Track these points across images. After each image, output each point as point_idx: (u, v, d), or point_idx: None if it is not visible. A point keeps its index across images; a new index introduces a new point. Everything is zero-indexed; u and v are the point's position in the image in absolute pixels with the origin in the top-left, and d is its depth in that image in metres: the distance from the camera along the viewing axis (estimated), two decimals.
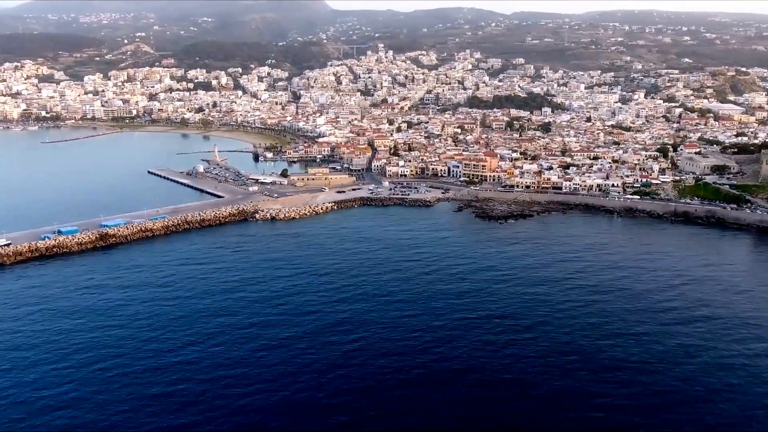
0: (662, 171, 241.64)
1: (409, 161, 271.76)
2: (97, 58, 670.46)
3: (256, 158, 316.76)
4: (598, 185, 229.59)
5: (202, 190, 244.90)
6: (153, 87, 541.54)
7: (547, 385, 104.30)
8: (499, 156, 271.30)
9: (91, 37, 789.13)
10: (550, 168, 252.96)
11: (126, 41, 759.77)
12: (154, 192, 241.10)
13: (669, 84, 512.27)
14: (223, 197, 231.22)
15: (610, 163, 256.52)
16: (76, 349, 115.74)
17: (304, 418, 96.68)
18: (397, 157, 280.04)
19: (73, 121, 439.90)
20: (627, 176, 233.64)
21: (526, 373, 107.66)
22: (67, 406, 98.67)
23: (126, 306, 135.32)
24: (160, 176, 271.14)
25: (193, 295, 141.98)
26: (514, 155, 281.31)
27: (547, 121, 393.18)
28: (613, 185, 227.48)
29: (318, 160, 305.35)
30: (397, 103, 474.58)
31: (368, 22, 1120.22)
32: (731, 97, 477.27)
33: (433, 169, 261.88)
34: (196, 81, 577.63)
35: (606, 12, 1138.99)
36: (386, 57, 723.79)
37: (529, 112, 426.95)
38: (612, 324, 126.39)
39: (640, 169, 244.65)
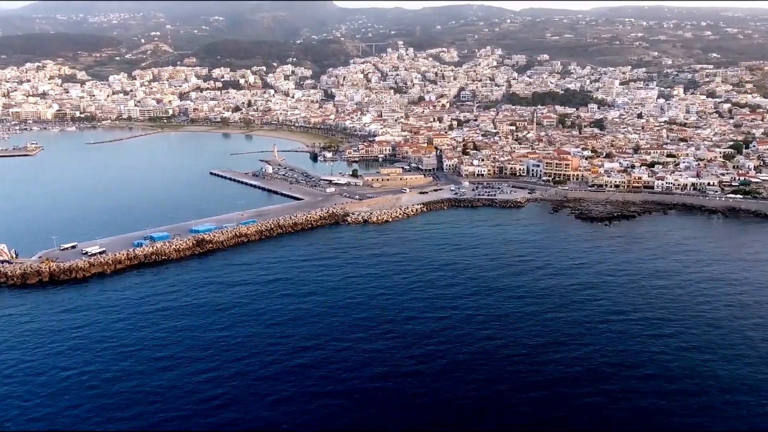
0: (757, 169, 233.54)
1: (482, 160, 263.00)
2: (117, 58, 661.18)
3: (314, 158, 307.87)
4: (693, 184, 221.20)
5: (275, 192, 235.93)
6: (181, 86, 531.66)
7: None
8: (573, 154, 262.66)
9: (108, 36, 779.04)
10: (632, 166, 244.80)
11: (143, 40, 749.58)
12: (223, 194, 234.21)
13: (707, 79, 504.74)
14: (302, 199, 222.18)
15: (696, 161, 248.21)
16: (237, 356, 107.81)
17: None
18: (467, 156, 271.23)
19: (108, 121, 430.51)
20: (723, 174, 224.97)
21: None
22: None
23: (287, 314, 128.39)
24: (225, 177, 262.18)
25: (334, 298, 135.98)
26: (585, 153, 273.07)
27: (597, 117, 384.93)
28: (709, 184, 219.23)
29: (380, 159, 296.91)
30: (437, 100, 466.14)
31: (378, 20, 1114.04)
32: None
33: (511, 168, 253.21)
34: (222, 80, 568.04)
35: (615, 8, 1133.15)
36: (407, 54, 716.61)
37: (575, 109, 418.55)
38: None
39: (734, 167, 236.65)
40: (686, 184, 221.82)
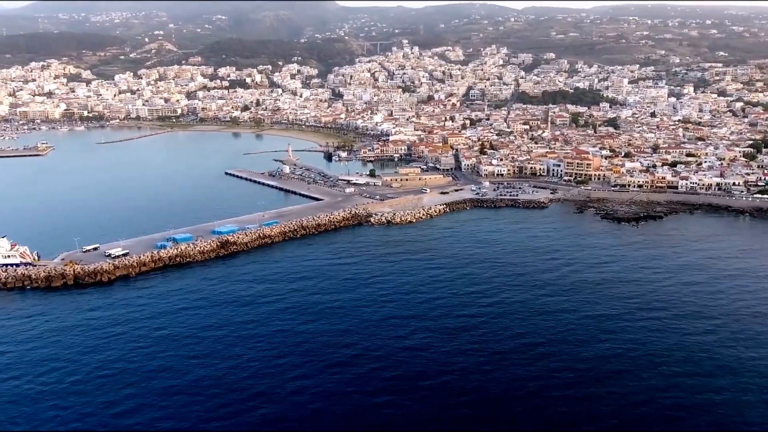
0: None
1: (501, 160, 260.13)
2: (122, 57, 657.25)
3: (328, 158, 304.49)
4: (718, 184, 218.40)
5: (294, 192, 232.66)
6: (188, 85, 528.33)
7: None
8: (592, 154, 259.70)
9: (111, 35, 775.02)
10: (654, 166, 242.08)
11: (147, 39, 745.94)
12: (240, 194, 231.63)
13: (717, 78, 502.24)
14: (322, 200, 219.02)
15: (720, 161, 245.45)
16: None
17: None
18: (486, 156, 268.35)
19: (117, 120, 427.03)
20: (748, 174, 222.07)
21: None
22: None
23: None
24: (241, 177, 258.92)
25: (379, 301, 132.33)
26: (603, 152, 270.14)
27: (610, 116, 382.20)
28: (734, 184, 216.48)
29: (396, 159, 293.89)
30: (447, 99, 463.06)
31: (380, 18, 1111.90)
32: None
33: (531, 168, 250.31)
34: (228, 79, 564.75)
35: (618, 7, 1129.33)
36: (412, 53, 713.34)
37: (587, 108, 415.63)
38: None
39: (758, 166, 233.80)
40: (711, 184, 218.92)
